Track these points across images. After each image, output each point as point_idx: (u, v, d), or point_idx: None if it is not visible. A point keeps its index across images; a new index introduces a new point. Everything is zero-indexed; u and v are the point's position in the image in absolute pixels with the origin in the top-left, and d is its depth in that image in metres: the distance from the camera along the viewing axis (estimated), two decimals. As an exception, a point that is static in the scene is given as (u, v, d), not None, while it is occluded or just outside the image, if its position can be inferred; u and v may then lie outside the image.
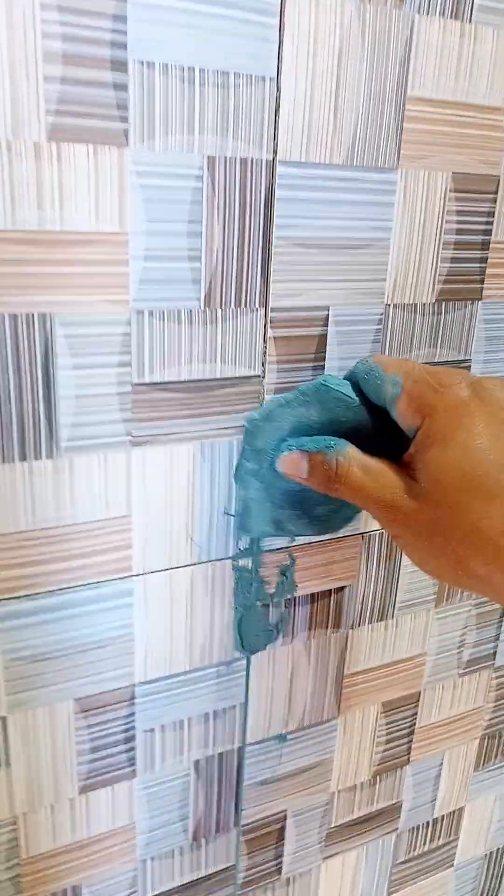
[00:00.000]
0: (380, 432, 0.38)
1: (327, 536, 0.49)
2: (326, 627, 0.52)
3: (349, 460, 0.35)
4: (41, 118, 0.33)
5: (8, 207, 0.34)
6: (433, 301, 0.46)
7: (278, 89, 0.37)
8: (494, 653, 0.61)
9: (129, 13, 0.33)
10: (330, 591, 0.51)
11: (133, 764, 0.48)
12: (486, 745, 0.65)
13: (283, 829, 0.57)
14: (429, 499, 0.33)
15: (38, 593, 0.41)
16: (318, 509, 0.42)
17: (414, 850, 0.66)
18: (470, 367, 0.49)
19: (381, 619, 0.54)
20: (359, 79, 0.39)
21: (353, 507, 0.38)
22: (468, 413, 0.32)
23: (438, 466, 0.32)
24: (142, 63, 0.34)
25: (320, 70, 0.38)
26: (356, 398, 0.38)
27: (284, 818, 0.56)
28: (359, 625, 0.53)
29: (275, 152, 0.39)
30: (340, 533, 0.48)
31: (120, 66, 0.34)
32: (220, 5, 0.35)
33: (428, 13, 0.40)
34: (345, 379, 0.39)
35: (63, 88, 0.33)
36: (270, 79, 0.37)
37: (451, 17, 0.40)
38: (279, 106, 0.38)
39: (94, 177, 0.35)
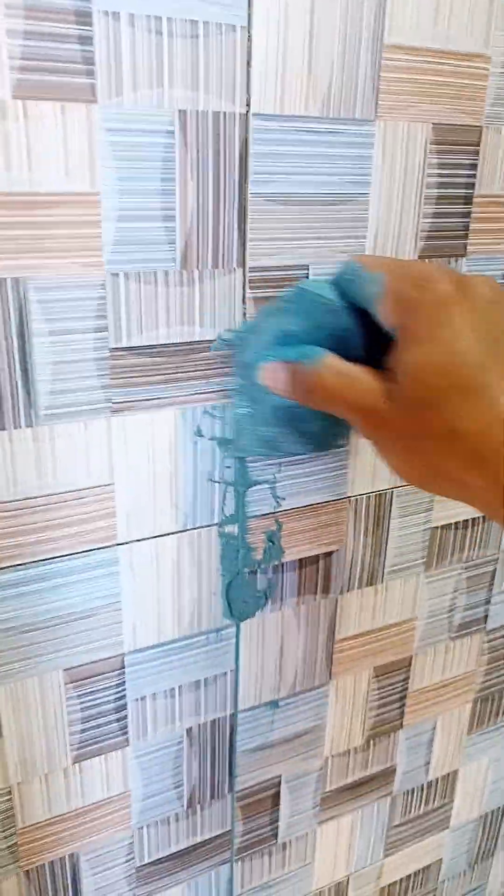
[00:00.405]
0: (365, 339, 0.36)
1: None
2: (315, 593, 0.52)
3: (326, 368, 0.34)
4: (5, 75, 0.32)
5: (-27, 166, 0.33)
6: (416, 257, 0.45)
7: (249, 38, 0.36)
8: (486, 616, 0.62)
9: (92, -40, 0.32)
10: (318, 556, 0.51)
11: (125, 732, 0.48)
12: (479, 708, 0.66)
13: (277, 795, 0.57)
14: (407, 401, 0.31)
15: (22, 564, 0.41)
16: (309, 426, 0.40)
17: (409, 813, 0.66)
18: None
19: (371, 584, 0.54)
20: (333, 25, 0.38)
21: (345, 423, 0.36)
22: (451, 310, 0.31)
23: (418, 365, 0.31)
24: (106, 13, 0.33)
25: (293, 17, 0.37)
26: (336, 301, 0.36)
27: (279, 784, 0.57)
28: (348, 590, 0.53)
29: (248, 105, 0.38)
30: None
31: (84, 17, 0.33)
32: (187, -50, 0.34)
33: (403, -42, 0.38)
34: (329, 284, 0.37)
35: (26, 43, 0.32)
36: (241, 27, 0.36)
37: (427, -39, 0.39)
38: (251, 56, 0.37)
39: (63, 135, 0.34)
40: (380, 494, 0.51)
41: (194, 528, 0.45)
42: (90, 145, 0.35)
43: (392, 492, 0.52)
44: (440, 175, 0.44)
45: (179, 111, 0.36)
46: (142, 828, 0.51)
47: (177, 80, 0.36)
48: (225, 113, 0.37)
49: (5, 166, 0.33)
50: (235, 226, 0.39)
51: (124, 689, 0.47)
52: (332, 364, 0.34)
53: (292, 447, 0.42)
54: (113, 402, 0.40)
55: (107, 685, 0.46)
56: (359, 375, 0.34)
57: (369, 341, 0.36)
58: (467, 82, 0.42)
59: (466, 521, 0.56)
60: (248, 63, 0.37)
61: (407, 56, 0.40)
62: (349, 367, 0.34)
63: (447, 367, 0.31)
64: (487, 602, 0.61)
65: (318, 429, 0.40)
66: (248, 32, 0.36)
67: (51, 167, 0.34)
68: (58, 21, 0.32)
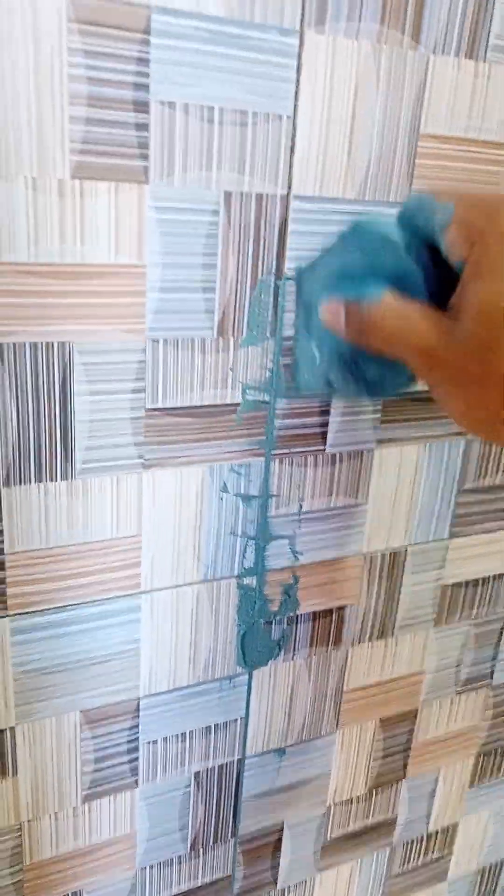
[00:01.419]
0: (430, 278, 0.34)
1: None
2: (327, 644, 0.53)
3: (384, 307, 0.33)
4: (66, 157, 0.34)
5: (32, 241, 0.35)
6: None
7: (294, 127, 0.39)
8: (492, 671, 0.62)
9: (152, 56, 0.34)
10: (331, 609, 0.52)
11: (136, 774, 0.49)
12: (481, 762, 0.66)
13: (279, 841, 0.58)
14: (470, 341, 0.29)
15: (49, 608, 0.42)
16: (370, 371, 0.38)
17: (408, 863, 0.67)
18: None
19: (381, 637, 0.55)
20: (373, 117, 0.40)
21: (406, 368, 0.35)
22: None
23: (483, 302, 0.29)
24: (163, 103, 0.35)
25: (335, 109, 0.39)
26: (398, 235, 0.34)
27: (281, 830, 0.57)
28: (359, 642, 0.54)
29: (289, 187, 0.40)
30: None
31: (142, 106, 0.35)
32: (240, 48, 0.36)
33: (443, 52, 0.41)
34: (394, 220, 0.36)
35: (88, 129, 0.34)
36: (287, 117, 0.38)
37: (465, 56, 0.41)
38: (294, 143, 0.39)
39: (115, 212, 0.36)
40: (394, 552, 0.52)
41: (214, 580, 0.47)
42: (139, 221, 0.37)
43: (406, 549, 0.53)
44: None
45: (225, 192, 0.38)
46: (145, 868, 0.52)
47: (224, 163, 0.38)
48: (267, 194, 0.39)
49: (60, 239, 0.36)
50: (271, 298, 0.41)
51: (137, 732, 0.48)
52: (390, 303, 0.32)
53: (352, 390, 0.40)
54: (145, 459, 0.42)
55: (121, 727, 0.47)
56: (418, 314, 0.32)
57: (434, 280, 0.34)
58: (496, 169, 0.45)
59: (477, 579, 0.57)
60: (292, 149, 0.39)
61: (441, 144, 0.42)
62: (408, 306, 0.32)
63: None
64: (494, 658, 0.62)
65: (377, 372, 0.38)
66: (294, 122, 0.38)
67: (101, 241, 0.36)
68: (118, 109, 0.35)
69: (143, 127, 0.35)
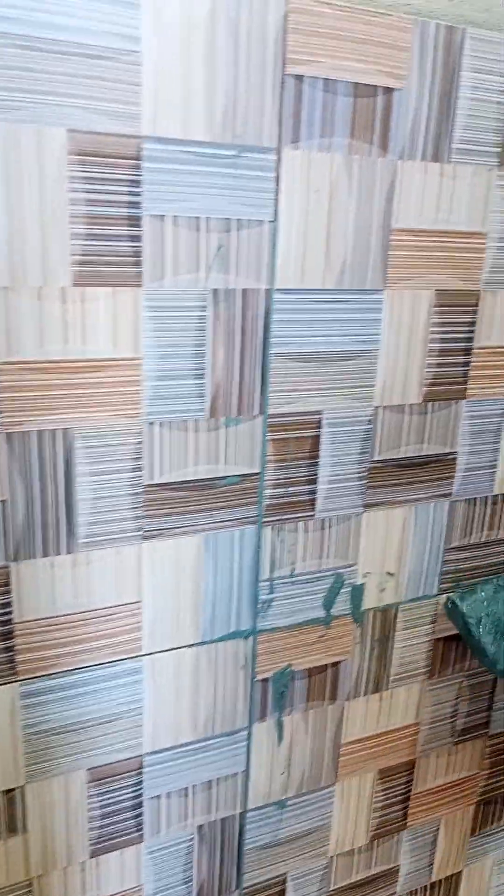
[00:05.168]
0: None
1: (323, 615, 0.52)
2: (324, 699, 0.55)
3: None
4: (68, 268, 0.38)
5: (37, 341, 0.39)
6: (420, 402, 0.51)
7: (275, 230, 0.43)
8: (488, 722, 0.64)
9: (144, 178, 0.38)
10: (326, 665, 0.54)
11: (140, 829, 0.51)
12: (482, 811, 0.68)
13: (283, 892, 0.59)
14: None
15: (56, 673, 0.45)
16: None
17: (412, 913, 0.68)
18: (455, 459, 0.53)
19: (376, 691, 0.57)
20: (347, 217, 0.44)
21: None
22: None
23: None
24: (154, 217, 0.39)
25: (312, 212, 0.43)
26: None
27: (284, 881, 0.59)
28: (354, 696, 0.56)
29: (272, 282, 0.43)
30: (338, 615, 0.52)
31: (135, 221, 0.39)
32: (223, 166, 0.40)
33: (410, 158, 0.45)
34: None
35: (87, 243, 0.38)
36: (269, 221, 0.42)
37: (431, 159, 0.45)
38: (276, 243, 0.43)
39: (112, 312, 0.40)
40: (385, 609, 0.55)
41: (212, 641, 0.49)
42: (135, 320, 0.41)
43: (397, 606, 0.55)
44: (442, 332, 0.49)
45: (213, 290, 0.42)
46: (152, 921, 0.54)
47: (211, 265, 0.42)
48: (252, 290, 0.43)
49: (62, 339, 0.39)
50: (258, 380, 0.45)
51: (142, 788, 0.50)
52: None
53: None
54: (144, 531, 0.45)
55: (126, 784, 0.50)
56: None
57: None
58: (466, 255, 0.48)
59: (468, 632, 0.60)
60: (274, 249, 0.43)
61: (412, 237, 0.46)
62: None
63: None
64: (490, 708, 0.64)
65: None
66: (274, 226, 0.42)
67: (100, 338, 0.40)
68: (114, 225, 0.39)
69: (136, 238, 0.39)
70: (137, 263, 0.40)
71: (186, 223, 0.40)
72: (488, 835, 0.69)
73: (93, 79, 0.36)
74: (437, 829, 0.66)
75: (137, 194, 0.39)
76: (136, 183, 0.38)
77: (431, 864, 0.67)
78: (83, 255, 0.38)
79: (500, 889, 0.73)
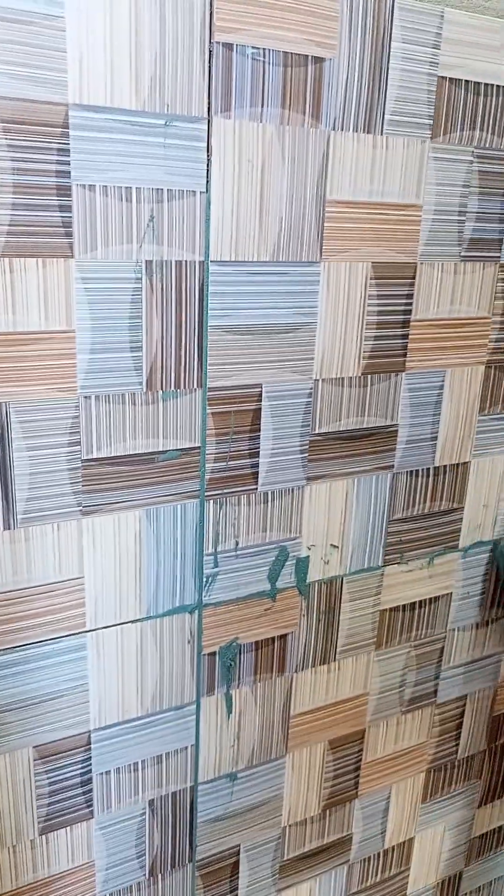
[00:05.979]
0: None
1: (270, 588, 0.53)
2: (272, 672, 0.56)
3: None
4: (-6, 238, 0.38)
5: (-35, 314, 0.38)
6: (359, 374, 0.51)
7: (208, 201, 0.42)
8: (436, 690, 0.66)
9: (73, 146, 0.38)
10: (273, 638, 0.55)
11: (90, 805, 0.51)
12: (432, 777, 0.69)
13: (237, 864, 0.60)
14: None
15: (-3, 650, 0.45)
16: None
17: (366, 881, 0.69)
18: (397, 431, 0.54)
19: (324, 663, 0.58)
20: (281, 188, 0.44)
21: None
22: None
23: None
24: (84, 187, 0.39)
25: (245, 183, 0.43)
26: None
27: (238, 853, 0.60)
28: (303, 668, 0.57)
29: (206, 254, 0.43)
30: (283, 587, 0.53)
31: (65, 190, 0.39)
32: (152, 135, 0.40)
33: (343, 129, 0.45)
34: None
35: (14, 213, 0.38)
36: (201, 192, 0.42)
37: (364, 130, 0.46)
38: (209, 215, 0.43)
39: (43, 284, 0.40)
40: (330, 581, 0.56)
41: (156, 616, 0.49)
42: (67, 291, 0.40)
43: (342, 578, 0.56)
44: (380, 304, 0.50)
45: (146, 262, 0.42)
46: (104, 897, 0.54)
47: (144, 236, 0.41)
48: (186, 261, 0.43)
49: (-7, 311, 0.39)
50: (196, 353, 0.45)
51: (90, 764, 0.50)
52: None
53: None
54: (83, 506, 0.45)
55: (73, 760, 0.50)
56: None
57: None
58: (402, 227, 0.49)
59: (413, 602, 0.61)
60: (207, 220, 0.43)
61: (348, 208, 0.47)
62: None
63: None
64: (437, 677, 0.65)
65: None
66: (208, 197, 0.42)
67: (31, 310, 0.40)
68: (42, 195, 0.38)
69: (66, 208, 0.39)
70: (68, 234, 0.39)
71: (117, 193, 0.40)
72: (439, 801, 0.71)
73: (16, 44, 0.36)
74: (389, 797, 0.67)
75: (66, 163, 0.38)
76: (65, 152, 0.38)
77: (384, 832, 0.68)
78: (10, 224, 0.38)
79: (451, 854, 0.75)
